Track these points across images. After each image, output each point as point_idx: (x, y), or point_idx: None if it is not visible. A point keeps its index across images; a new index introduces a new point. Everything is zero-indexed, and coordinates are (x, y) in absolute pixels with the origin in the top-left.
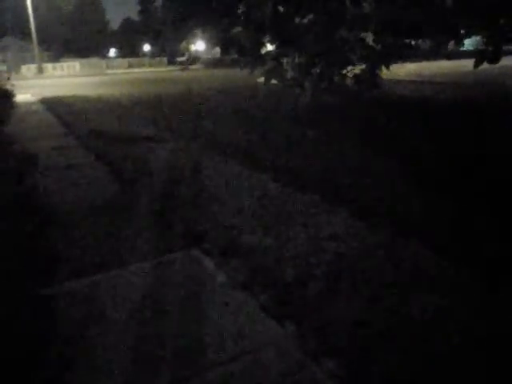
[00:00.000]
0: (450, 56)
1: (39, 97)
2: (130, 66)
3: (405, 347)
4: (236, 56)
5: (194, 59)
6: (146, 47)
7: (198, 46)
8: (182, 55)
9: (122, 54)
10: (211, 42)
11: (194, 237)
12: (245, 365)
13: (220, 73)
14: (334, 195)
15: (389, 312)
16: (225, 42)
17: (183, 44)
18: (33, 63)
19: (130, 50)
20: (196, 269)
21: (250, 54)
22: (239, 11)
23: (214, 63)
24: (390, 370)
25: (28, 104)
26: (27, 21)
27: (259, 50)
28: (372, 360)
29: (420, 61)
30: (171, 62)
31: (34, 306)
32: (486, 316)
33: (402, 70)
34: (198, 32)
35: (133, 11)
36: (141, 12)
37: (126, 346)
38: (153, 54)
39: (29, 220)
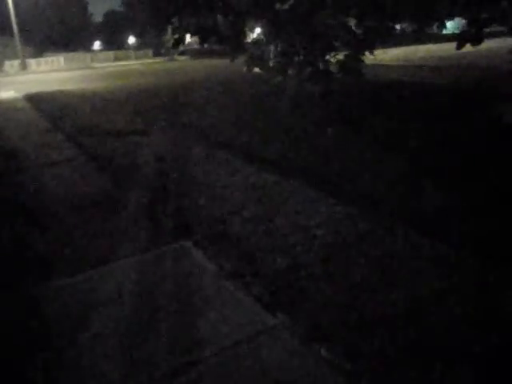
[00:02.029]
0: (435, 39)
1: (23, 93)
2: (116, 58)
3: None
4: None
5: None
6: (131, 39)
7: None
8: (164, 46)
9: (107, 46)
10: (188, 32)
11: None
12: (240, 353)
13: (205, 63)
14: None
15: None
16: (203, 31)
17: (168, 35)
18: (16, 59)
19: (114, 43)
20: (187, 260)
21: (229, 43)
22: None
23: (201, 53)
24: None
25: (12, 101)
26: (8, 16)
27: (239, 38)
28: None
29: (406, 45)
30: (157, 54)
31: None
32: None
33: (387, 55)
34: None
35: (116, 2)
36: (124, 3)
37: (122, 339)
38: (138, 46)
39: (16, 217)
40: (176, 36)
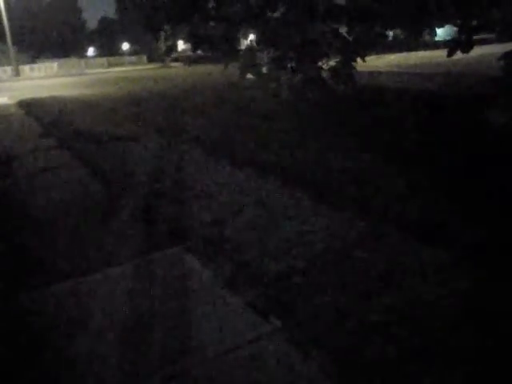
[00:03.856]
0: (427, 46)
1: (17, 100)
2: (110, 64)
3: None
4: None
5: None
6: (125, 46)
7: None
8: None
9: (101, 53)
10: (183, 39)
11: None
12: (234, 360)
13: (198, 69)
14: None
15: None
16: (196, 38)
17: (161, 42)
18: (9, 65)
19: (108, 49)
20: (181, 267)
21: (222, 50)
22: (210, 6)
23: (194, 60)
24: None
25: (5, 107)
26: (1, 22)
27: (232, 45)
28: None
29: (398, 51)
30: (151, 60)
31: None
32: None
33: (379, 61)
34: (169, 29)
35: (111, 9)
36: (118, 10)
37: (116, 345)
38: (132, 52)
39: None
40: (168, 43)
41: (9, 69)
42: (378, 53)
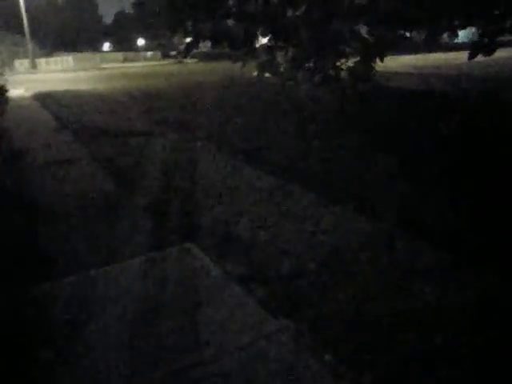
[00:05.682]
0: (447, 48)
1: (32, 92)
2: (125, 59)
3: None
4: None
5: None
6: (141, 41)
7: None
8: (173, 49)
9: (117, 48)
10: (202, 36)
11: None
12: (242, 357)
13: (215, 66)
14: None
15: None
16: (215, 35)
17: (177, 37)
18: (26, 58)
19: (124, 44)
20: (191, 263)
21: (241, 47)
22: (230, 3)
23: (209, 56)
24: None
25: (21, 99)
26: (19, 15)
27: (251, 43)
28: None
29: (416, 53)
30: (166, 56)
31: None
32: None
33: (395, 63)
34: (189, 25)
35: (127, 4)
36: (134, 5)
37: (124, 340)
38: (147, 48)
39: (20, 212)
40: (189, 40)
41: (26, 62)
42: (393, 54)
